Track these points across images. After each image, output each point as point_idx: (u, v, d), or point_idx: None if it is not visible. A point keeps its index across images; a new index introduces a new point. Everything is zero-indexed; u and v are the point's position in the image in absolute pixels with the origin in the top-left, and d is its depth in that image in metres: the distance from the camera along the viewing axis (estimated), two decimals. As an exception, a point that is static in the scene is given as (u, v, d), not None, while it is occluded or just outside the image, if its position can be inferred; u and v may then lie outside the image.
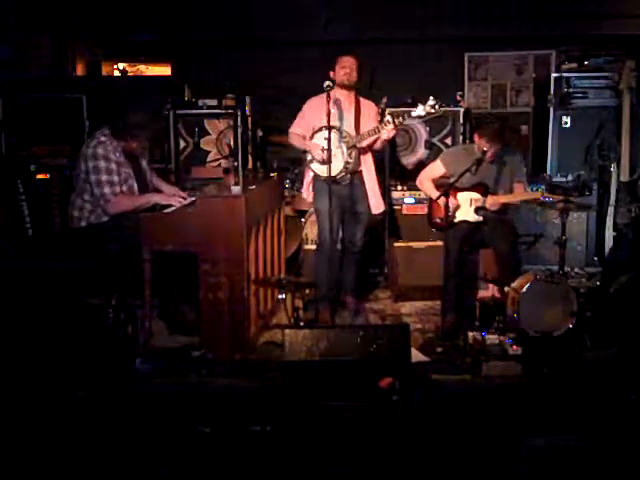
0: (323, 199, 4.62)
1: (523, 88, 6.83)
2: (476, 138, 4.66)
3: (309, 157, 4.73)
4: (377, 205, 4.84)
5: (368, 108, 4.83)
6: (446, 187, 4.52)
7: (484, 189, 4.65)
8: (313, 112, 4.69)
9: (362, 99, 4.83)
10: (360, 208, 4.80)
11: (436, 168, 4.89)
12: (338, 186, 4.62)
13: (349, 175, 4.69)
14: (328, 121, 4.30)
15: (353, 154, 4.63)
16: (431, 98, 4.51)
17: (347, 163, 4.61)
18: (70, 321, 4.23)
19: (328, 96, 4.32)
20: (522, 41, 6.77)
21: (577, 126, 5.64)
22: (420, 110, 4.53)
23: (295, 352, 3.49)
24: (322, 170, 4.60)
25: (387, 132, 4.56)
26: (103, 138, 4.41)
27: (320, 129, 4.61)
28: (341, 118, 4.65)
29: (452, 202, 4.63)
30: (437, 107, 4.52)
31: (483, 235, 4.70)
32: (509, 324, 4.23)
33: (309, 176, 4.81)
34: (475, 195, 4.66)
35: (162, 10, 6.55)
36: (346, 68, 4.66)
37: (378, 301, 5.39)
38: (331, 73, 4.68)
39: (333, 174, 4.44)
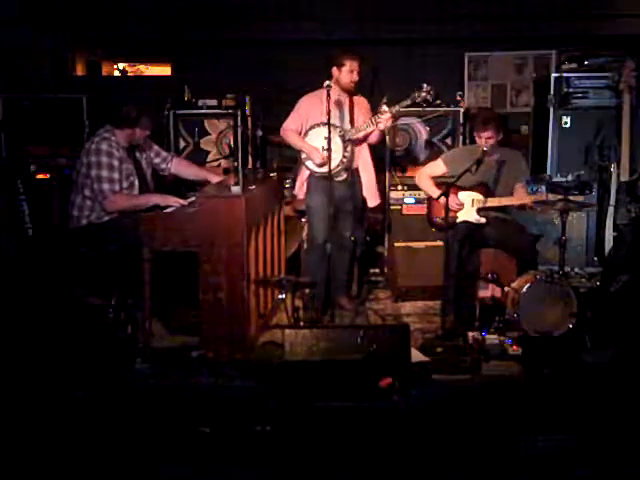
0: (316, 196, 4.65)
1: (523, 88, 6.83)
2: (475, 135, 4.65)
3: (304, 155, 4.72)
4: (372, 198, 4.85)
5: (361, 103, 4.82)
6: (447, 186, 4.51)
7: (486, 189, 4.64)
8: (309, 109, 4.68)
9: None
10: (351, 205, 4.78)
11: (436, 167, 4.86)
12: (333, 183, 4.48)
13: (345, 171, 4.66)
14: (328, 120, 4.27)
15: (349, 148, 4.63)
16: (424, 85, 4.48)
17: (344, 157, 4.59)
18: (70, 321, 4.24)
19: (328, 95, 4.30)
20: (522, 41, 6.77)
21: (577, 126, 5.63)
22: (415, 97, 4.50)
23: (295, 352, 3.49)
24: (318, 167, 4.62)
25: (384, 121, 4.54)
26: (107, 134, 4.41)
27: (314, 126, 4.62)
28: (340, 117, 4.64)
29: (456, 202, 4.62)
30: (432, 93, 4.50)
31: (489, 238, 4.68)
32: (509, 324, 4.24)
33: (304, 174, 4.79)
34: (477, 195, 4.65)
35: (162, 10, 6.55)
36: (353, 73, 4.60)
37: (378, 301, 5.38)
38: (334, 71, 4.61)
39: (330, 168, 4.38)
